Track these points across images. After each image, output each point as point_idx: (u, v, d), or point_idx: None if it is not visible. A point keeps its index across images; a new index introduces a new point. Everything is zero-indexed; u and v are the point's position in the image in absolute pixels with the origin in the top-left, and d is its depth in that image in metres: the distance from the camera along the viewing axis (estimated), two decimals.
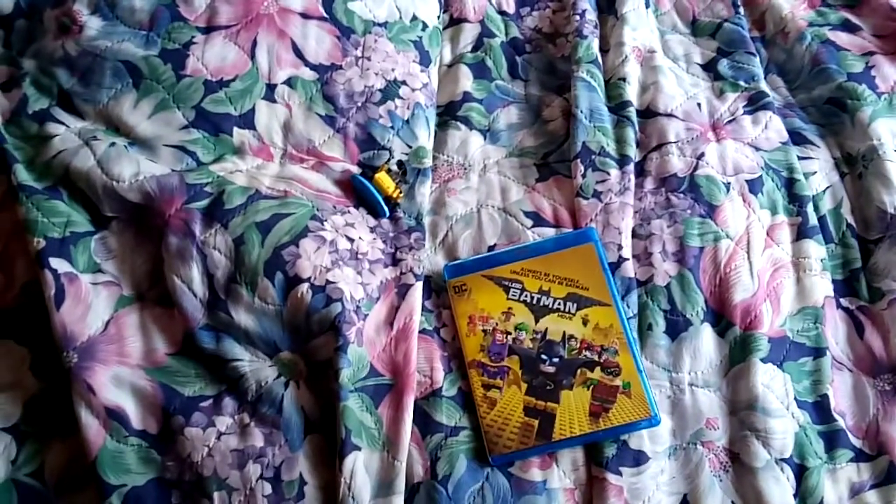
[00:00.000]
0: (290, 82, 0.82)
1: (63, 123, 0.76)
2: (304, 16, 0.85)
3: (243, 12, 0.83)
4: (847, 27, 0.95)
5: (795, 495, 0.67)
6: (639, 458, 0.68)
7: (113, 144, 0.75)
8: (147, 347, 0.69)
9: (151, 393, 0.67)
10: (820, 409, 0.71)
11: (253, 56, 0.81)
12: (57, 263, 0.69)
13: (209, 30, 0.82)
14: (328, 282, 0.70)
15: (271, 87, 0.81)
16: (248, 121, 0.80)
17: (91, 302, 0.69)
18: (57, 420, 0.67)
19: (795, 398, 0.71)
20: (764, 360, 0.71)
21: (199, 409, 0.67)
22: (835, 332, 0.76)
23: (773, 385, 0.71)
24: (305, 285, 0.69)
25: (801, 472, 0.68)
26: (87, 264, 0.71)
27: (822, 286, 0.76)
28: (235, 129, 0.79)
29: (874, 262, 0.78)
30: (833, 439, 0.70)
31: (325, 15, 0.85)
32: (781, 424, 0.69)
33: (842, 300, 0.78)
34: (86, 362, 0.66)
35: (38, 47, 0.81)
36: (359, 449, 0.65)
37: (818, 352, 0.73)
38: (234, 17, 0.83)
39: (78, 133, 0.75)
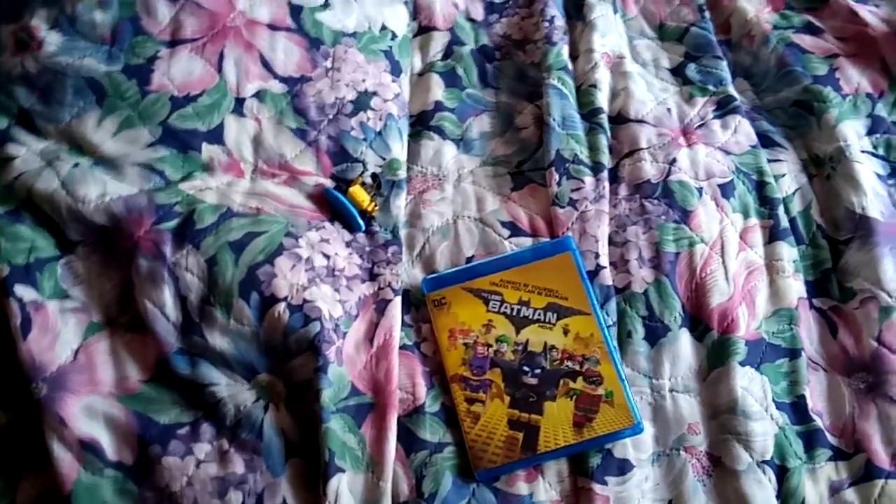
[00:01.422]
0: (259, 96, 0.80)
1: (24, 144, 0.74)
2: (272, 27, 0.83)
3: (209, 25, 0.81)
4: (810, 30, 0.97)
5: (777, 496, 0.68)
6: (623, 467, 0.68)
7: (77, 165, 0.72)
8: (119, 375, 0.67)
9: (126, 422, 0.65)
10: (797, 409, 0.72)
11: (220, 70, 0.80)
12: (22, 291, 0.67)
13: (174, 43, 0.80)
14: (305, 300, 0.68)
15: (240, 101, 0.80)
16: (216, 136, 0.78)
17: (59, 330, 0.67)
18: (27, 453, 0.65)
19: (773, 400, 0.72)
20: (742, 364, 0.72)
21: (177, 436, 0.65)
22: (809, 332, 0.77)
23: (751, 388, 0.71)
24: (282, 305, 0.68)
25: (781, 473, 0.69)
26: (53, 291, 0.68)
27: (795, 288, 0.77)
28: (204, 145, 0.77)
29: (845, 263, 0.79)
30: (812, 439, 0.71)
31: (293, 26, 0.84)
32: (761, 426, 0.70)
33: (814, 301, 0.79)
34: (56, 393, 0.64)
35: None
36: (343, 471, 0.64)
37: (794, 353, 0.74)
38: (199, 30, 0.81)
39: (40, 153, 0.73)
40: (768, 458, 0.69)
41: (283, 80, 0.82)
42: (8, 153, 0.73)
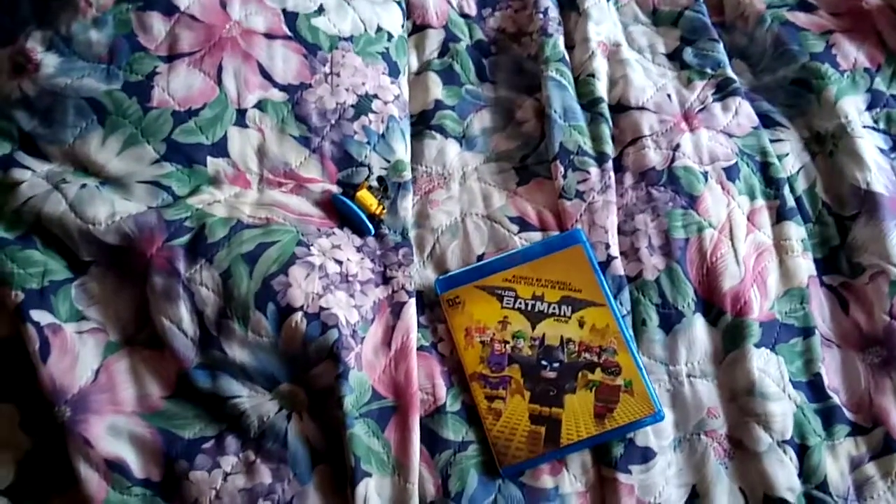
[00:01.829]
0: (260, 105, 0.80)
1: (28, 168, 0.73)
2: (269, 36, 0.83)
3: (205, 37, 0.81)
4: (804, 7, 0.97)
5: (799, 475, 0.69)
6: (646, 455, 0.69)
7: (84, 186, 0.72)
8: (141, 393, 0.67)
9: (151, 440, 0.65)
10: (814, 387, 0.73)
11: (220, 82, 0.79)
12: (38, 315, 0.66)
13: (172, 58, 0.79)
14: (322, 308, 0.68)
15: (241, 112, 0.79)
16: (221, 149, 0.78)
17: (78, 352, 0.67)
18: (53, 476, 0.65)
19: (790, 379, 0.72)
20: (757, 346, 0.73)
21: (202, 451, 0.65)
22: (820, 310, 0.78)
23: (768, 369, 0.72)
24: (299, 314, 0.68)
25: (802, 451, 0.69)
26: (69, 313, 0.68)
27: (805, 266, 0.78)
28: (209, 158, 0.77)
29: (852, 238, 0.80)
30: (830, 416, 0.72)
31: (289, 34, 0.83)
32: (780, 407, 0.70)
33: (824, 278, 0.79)
34: (79, 415, 0.64)
35: None
36: (369, 475, 0.64)
37: (807, 331, 0.75)
38: (196, 43, 0.80)
39: (45, 177, 0.73)
40: (788, 437, 0.69)
41: (283, 88, 0.81)
42: (13, 178, 0.72)
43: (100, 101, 0.76)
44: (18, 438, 0.66)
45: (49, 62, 0.77)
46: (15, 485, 0.65)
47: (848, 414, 0.73)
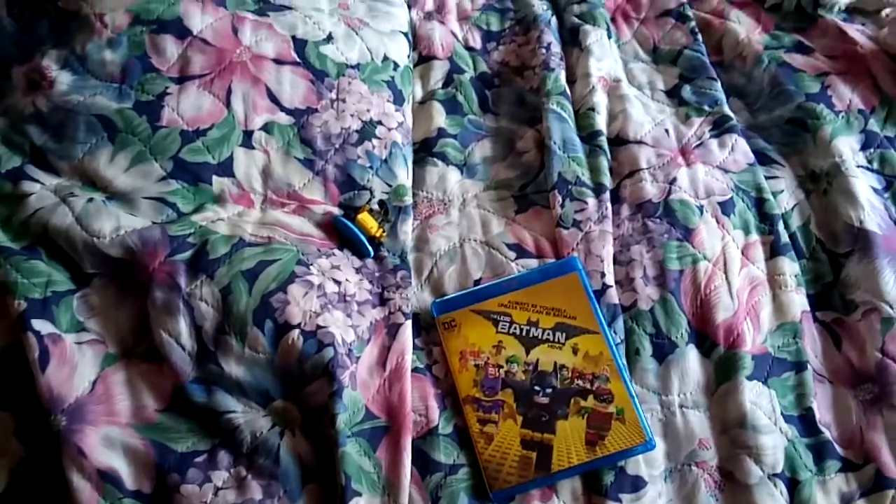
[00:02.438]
0: (266, 128, 0.82)
1: (38, 181, 0.75)
2: (278, 61, 0.85)
3: (216, 61, 0.83)
4: (800, 49, 1.00)
5: None
6: (637, 484, 0.69)
7: (91, 200, 0.74)
8: (136, 405, 0.68)
9: (144, 451, 0.66)
10: (806, 422, 0.73)
11: (228, 104, 0.82)
12: (39, 325, 0.67)
13: (182, 80, 0.82)
14: (318, 326, 0.69)
15: (248, 134, 0.81)
16: (226, 169, 0.80)
17: (77, 362, 0.67)
18: (45, 486, 0.65)
19: (782, 413, 0.73)
20: (749, 378, 0.73)
21: (194, 464, 0.66)
22: (813, 345, 0.78)
23: (760, 402, 0.72)
24: (296, 332, 0.69)
25: (793, 485, 0.70)
26: (70, 324, 0.69)
27: (798, 301, 0.79)
28: (214, 177, 0.79)
29: (846, 275, 0.81)
30: (821, 451, 0.72)
31: (297, 60, 0.86)
32: (771, 440, 0.70)
33: (817, 314, 0.80)
34: (75, 424, 0.65)
35: (7, 105, 0.80)
36: (360, 495, 0.65)
37: (799, 366, 0.75)
38: (207, 66, 0.83)
39: (54, 190, 0.74)
40: (779, 471, 0.70)
41: (290, 112, 0.84)
42: (23, 190, 0.74)
43: (110, 118, 0.78)
44: (13, 446, 0.67)
45: (63, 80, 0.79)
46: (7, 492, 0.65)
47: (839, 449, 0.73)
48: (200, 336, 0.69)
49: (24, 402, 0.67)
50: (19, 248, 0.71)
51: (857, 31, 0.98)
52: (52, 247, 0.72)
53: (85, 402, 0.66)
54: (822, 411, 0.75)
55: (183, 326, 0.69)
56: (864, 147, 0.89)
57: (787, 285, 0.79)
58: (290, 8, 0.90)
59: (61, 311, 0.69)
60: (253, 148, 0.81)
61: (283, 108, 0.84)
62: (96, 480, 0.63)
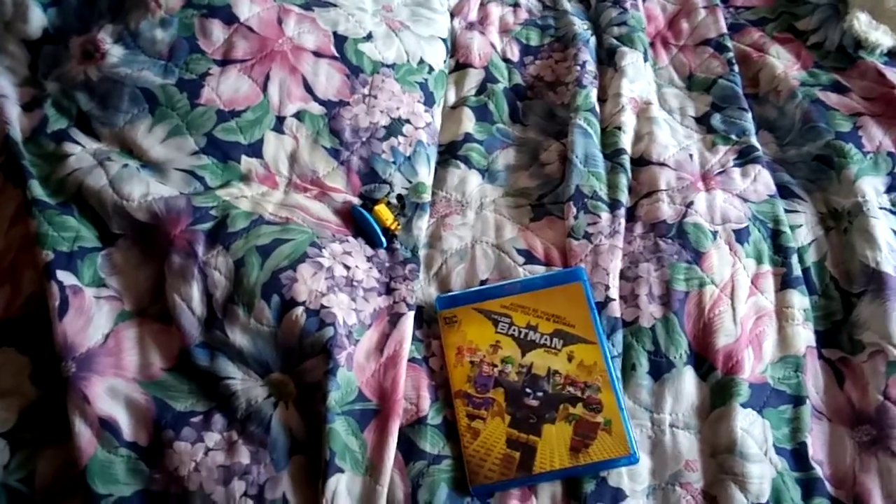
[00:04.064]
0: (298, 115, 0.86)
1: (79, 144, 0.80)
2: (317, 54, 0.89)
3: (259, 48, 0.87)
4: (837, 88, 0.99)
5: None
6: (617, 496, 0.69)
7: (126, 166, 0.78)
8: (143, 361, 0.71)
9: (145, 406, 0.69)
10: (798, 456, 0.72)
11: (265, 89, 0.85)
12: (63, 276, 0.71)
13: (225, 63, 0.86)
14: (322, 306, 0.72)
15: (280, 120, 0.85)
16: (256, 150, 0.83)
17: (93, 314, 0.71)
18: (51, 428, 0.69)
19: (774, 444, 0.72)
20: (744, 405, 0.73)
21: (189, 424, 0.68)
22: (815, 381, 0.77)
23: (752, 430, 0.72)
24: (300, 308, 0.71)
25: None
26: (92, 278, 0.73)
27: (804, 336, 0.78)
28: (244, 157, 0.83)
29: (856, 315, 0.80)
30: (810, 487, 0.71)
31: (336, 54, 0.89)
32: (759, 469, 0.70)
33: (823, 351, 0.79)
34: (83, 372, 0.68)
35: (61, 71, 0.85)
36: (342, 471, 0.66)
37: (798, 400, 0.74)
38: (249, 52, 0.87)
39: (93, 153, 0.79)
40: (764, 501, 0.69)
41: (323, 102, 0.87)
42: (65, 151, 0.79)
43: (153, 92, 0.83)
44: (27, 388, 0.70)
45: (115, 53, 0.84)
46: (14, 430, 0.68)
47: (829, 488, 0.72)
48: (211, 303, 0.72)
49: (42, 348, 0.71)
50: (54, 203, 0.76)
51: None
52: (84, 205, 0.76)
53: (96, 353, 0.70)
54: (817, 448, 0.74)
55: (195, 292, 0.72)
56: (889, 189, 0.88)
57: (794, 318, 0.79)
58: (334, 5, 0.94)
59: (85, 265, 0.73)
60: (283, 133, 0.85)
61: (316, 99, 0.87)
62: (97, 427, 0.67)
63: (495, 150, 0.94)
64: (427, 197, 0.86)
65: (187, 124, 0.82)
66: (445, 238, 0.84)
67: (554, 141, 0.95)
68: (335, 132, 0.86)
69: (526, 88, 1.01)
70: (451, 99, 0.99)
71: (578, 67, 1.00)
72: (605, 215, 0.84)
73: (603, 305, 0.78)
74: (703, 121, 0.98)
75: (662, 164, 0.90)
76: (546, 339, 0.75)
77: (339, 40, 0.91)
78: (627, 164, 0.90)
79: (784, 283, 0.81)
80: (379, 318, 0.76)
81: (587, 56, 1.01)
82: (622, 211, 0.85)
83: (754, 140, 0.93)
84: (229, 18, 0.88)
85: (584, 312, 0.76)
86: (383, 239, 0.81)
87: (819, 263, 0.84)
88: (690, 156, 0.92)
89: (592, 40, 1.05)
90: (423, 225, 0.84)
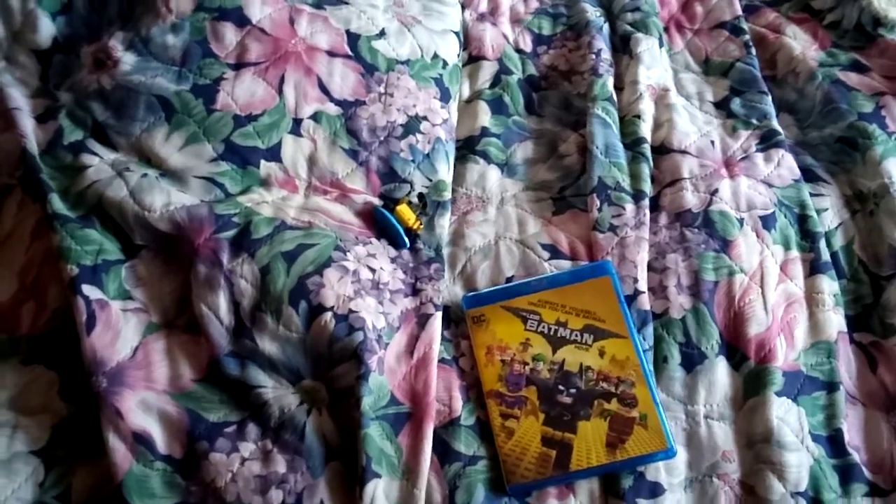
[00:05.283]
0: (315, 117, 0.85)
1: (97, 155, 0.79)
2: (331, 54, 0.88)
3: (272, 50, 0.86)
4: (857, 68, 0.98)
5: None
6: (655, 490, 0.69)
7: (145, 175, 0.77)
8: (174, 373, 0.71)
9: (177, 418, 0.68)
10: (834, 442, 0.72)
11: (280, 92, 0.84)
12: (89, 290, 0.71)
13: (239, 66, 0.85)
14: (350, 311, 0.71)
15: (297, 122, 0.84)
16: (274, 154, 0.82)
17: (120, 328, 0.71)
18: (84, 444, 0.68)
19: (810, 432, 0.72)
20: (778, 394, 0.72)
21: (224, 434, 0.68)
22: (848, 366, 0.77)
23: (787, 418, 0.72)
24: (329, 314, 0.71)
25: None
26: (117, 291, 0.73)
27: (835, 321, 0.77)
28: (262, 161, 0.82)
29: (886, 298, 0.79)
30: (848, 473, 0.71)
31: (350, 53, 0.88)
32: (796, 458, 0.70)
33: (855, 335, 0.79)
34: (114, 387, 0.68)
35: (73, 81, 0.84)
36: (379, 476, 0.66)
37: (832, 386, 0.74)
38: (263, 55, 0.86)
39: (111, 164, 0.78)
40: (802, 489, 0.69)
41: (339, 103, 0.86)
42: (82, 162, 0.78)
43: (169, 99, 0.82)
44: (56, 405, 0.70)
45: (127, 60, 0.83)
46: (47, 448, 0.68)
47: (867, 473, 0.71)
48: (238, 312, 0.72)
49: (69, 364, 0.71)
50: (75, 216, 0.75)
51: None
52: (105, 217, 0.76)
53: (125, 367, 0.69)
54: (853, 433, 0.73)
55: (222, 301, 0.71)
56: None
57: (824, 304, 0.78)
58: (346, 3, 0.92)
59: (110, 278, 0.73)
60: (301, 136, 0.84)
61: (332, 99, 0.86)
62: (131, 442, 0.66)
63: (513, 143, 0.93)
64: (448, 194, 0.85)
65: (204, 131, 0.81)
66: (468, 235, 0.84)
67: (572, 132, 0.93)
68: (352, 132, 0.85)
69: (540, 79, 1.00)
70: (466, 93, 0.98)
71: (593, 56, 0.98)
72: (629, 206, 0.83)
73: (632, 298, 0.77)
74: (722, 106, 0.96)
75: (684, 152, 0.89)
76: (577, 335, 0.75)
77: (353, 38, 0.90)
78: (648, 153, 0.89)
79: (813, 268, 0.80)
80: (407, 320, 0.75)
81: (601, 44, 1.00)
82: (646, 201, 0.84)
83: (776, 124, 0.92)
84: (241, 21, 0.87)
85: (613, 306, 0.76)
86: (406, 239, 0.81)
87: (847, 247, 0.84)
88: (712, 142, 0.90)
89: (606, 27, 1.04)
90: (445, 223, 0.83)
